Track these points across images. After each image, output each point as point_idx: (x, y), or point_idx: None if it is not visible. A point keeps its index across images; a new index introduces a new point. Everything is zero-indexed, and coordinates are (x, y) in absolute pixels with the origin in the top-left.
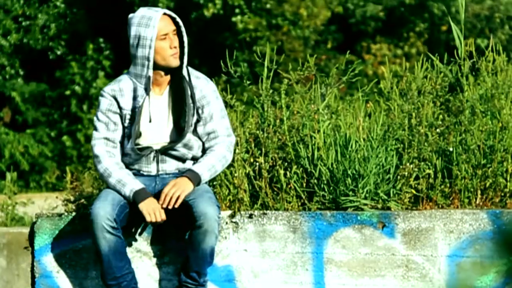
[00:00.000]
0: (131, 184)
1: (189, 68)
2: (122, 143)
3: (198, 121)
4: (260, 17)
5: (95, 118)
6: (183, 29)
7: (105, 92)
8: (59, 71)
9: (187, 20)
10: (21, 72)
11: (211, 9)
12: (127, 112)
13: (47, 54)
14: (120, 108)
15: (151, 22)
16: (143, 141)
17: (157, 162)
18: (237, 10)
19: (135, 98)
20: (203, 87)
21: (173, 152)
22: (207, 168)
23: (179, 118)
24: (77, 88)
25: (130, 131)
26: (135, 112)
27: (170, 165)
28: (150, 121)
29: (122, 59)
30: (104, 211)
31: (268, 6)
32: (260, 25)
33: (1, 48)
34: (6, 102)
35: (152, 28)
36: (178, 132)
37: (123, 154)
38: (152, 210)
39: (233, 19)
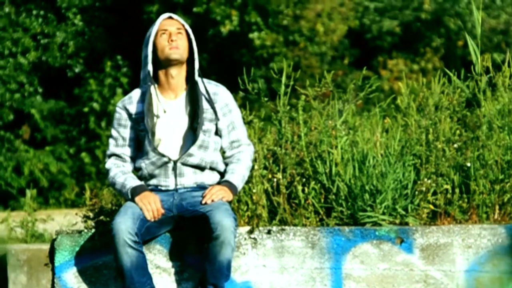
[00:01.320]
0: (130, 183)
1: (207, 79)
2: (134, 158)
3: (220, 129)
4: (276, 33)
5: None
6: (190, 31)
7: (117, 106)
8: (77, 89)
9: (203, 37)
10: (40, 90)
11: (227, 25)
12: (138, 116)
13: (65, 72)
14: (130, 116)
15: (155, 23)
16: (160, 147)
17: (175, 176)
18: (254, 27)
19: (143, 100)
20: (225, 95)
21: (190, 159)
22: (241, 180)
23: (193, 121)
24: (95, 105)
25: (146, 132)
26: (146, 111)
27: (188, 179)
28: (158, 116)
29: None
30: (125, 226)
31: (284, 22)
32: (277, 41)
33: (20, 66)
34: (25, 120)
35: (154, 27)
36: (193, 135)
37: (141, 168)
38: (147, 202)
39: (250, 35)
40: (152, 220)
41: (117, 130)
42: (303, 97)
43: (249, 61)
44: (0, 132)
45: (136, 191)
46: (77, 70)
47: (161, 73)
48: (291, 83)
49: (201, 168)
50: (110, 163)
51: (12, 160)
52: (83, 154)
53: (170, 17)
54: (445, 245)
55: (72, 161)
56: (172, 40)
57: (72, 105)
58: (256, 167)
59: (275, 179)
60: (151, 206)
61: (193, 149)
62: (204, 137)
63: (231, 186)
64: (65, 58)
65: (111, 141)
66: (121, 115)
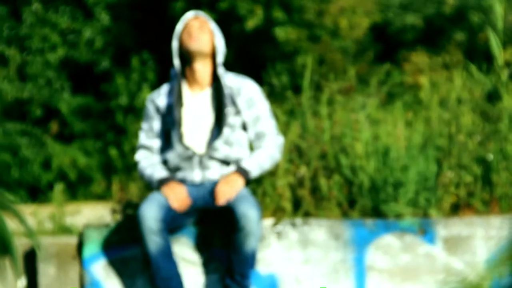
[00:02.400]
0: (158, 174)
1: (234, 73)
2: (163, 150)
3: (245, 122)
4: (300, 28)
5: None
6: (213, 26)
7: (147, 99)
8: (104, 84)
9: (228, 33)
10: (68, 85)
11: (252, 21)
12: (166, 108)
13: (92, 68)
14: (158, 109)
15: (181, 19)
16: (186, 140)
17: (201, 169)
18: (277, 22)
19: (171, 93)
20: (250, 88)
21: (215, 154)
22: (256, 165)
23: (218, 115)
24: (122, 100)
25: (173, 124)
26: (173, 104)
27: (213, 172)
28: (183, 109)
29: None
30: (151, 213)
31: (308, 17)
32: (301, 36)
33: (48, 62)
34: (53, 115)
35: (180, 23)
36: (218, 129)
37: (168, 160)
38: (173, 192)
39: (274, 31)
40: (178, 209)
41: (146, 122)
42: (327, 90)
43: (273, 56)
44: (28, 128)
45: (163, 181)
46: (104, 65)
47: (187, 68)
48: (315, 77)
49: (226, 162)
50: (139, 155)
51: (40, 155)
52: (110, 149)
53: (196, 16)
54: (467, 237)
55: (100, 156)
56: (192, 33)
57: (99, 100)
58: (280, 160)
59: (299, 172)
60: (177, 196)
61: (218, 144)
62: (228, 131)
63: (242, 171)
64: (92, 54)
65: (141, 133)
66: (150, 108)
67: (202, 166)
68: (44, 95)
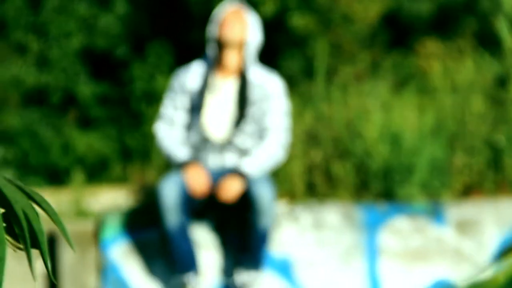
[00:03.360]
0: (179, 155)
1: (261, 68)
2: (183, 127)
3: (258, 116)
4: (313, 14)
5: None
6: (251, 21)
7: (174, 74)
8: (122, 70)
9: None
10: (85, 72)
11: (267, 6)
12: (190, 88)
13: (110, 55)
14: (183, 85)
15: (222, 5)
16: (206, 125)
17: (217, 155)
18: (290, 8)
19: (198, 74)
20: (272, 85)
21: (233, 142)
22: (256, 167)
23: (239, 106)
24: (139, 87)
25: (195, 107)
26: (199, 88)
27: (229, 160)
28: (207, 94)
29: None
30: (170, 191)
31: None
32: (314, 22)
33: (66, 49)
34: (71, 101)
35: (220, 11)
36: (238, 120)
37: (188, 138)
38: (194, 179)
39: (287, 17)
40: (197, 195)
41: (169, 96)
42: (340, 75)
43: (286, 42)
44: (47, 114)
45: (184, 163)
46: (121, 52)
47: (219, 55)
48: (328, 62)
49: (243, 152)
50: (160, 126)
51: (58, 141)
52: (128, 135)
53: (235, 6)
54: (478, 220)
55: (117, 141)
56: (226, 23)
57: (117, 87)
58: (294, 144)
59: (312, 156)
60: (197, 181)
61: (235, 133)
62: (246, 123)
63: (242, 174)
64: (109, 41)
65: (163, 104)
66: (175, 84)
67: (218, 152)
68: (62, 82)
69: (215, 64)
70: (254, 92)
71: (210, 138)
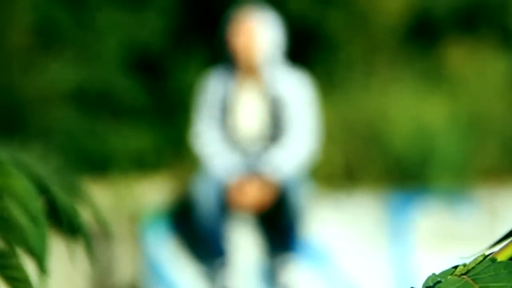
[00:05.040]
0: (222, 163)
1: (293, 67)
2: (217, 129)
3: (284, 117)
4: (336, 10)
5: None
6: (259, 25)
7: (206, 76)
8: (161, 66)
9: None
10: (124, 67)
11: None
12: (220, 92)
13: (149, 49)
14: (213, 89)
15: (231, 16)
16: (235, 127)
17: (246, 156)
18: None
19: (226, 77)
20: (298, 86)
21: (261, 144)
22: (288, 171)
23: (268, 107)
24: (179, 82)
25: (224, 111)
26: (225, 97)
27: (258, 161)
28: (235, 97)
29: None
30: (207, 193)
31: None
32: (337, 17)
33: (105, 43)
34: (110, 95)
35: (230, 19)
36: (266, 120)
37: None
38: (241, 197)
39: (318, 14)
40: (243, 210)
41: (205, 97)
42: (368, 67)
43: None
44: (85, 109)
45: (229, 175)
46: (160, 47)
47: (235, 60)
48: (354, 56)
49: (270, 154)
50: (200, 129)
51: (96, 137)
52: (168, 129)
53: (241, 14)
54: (508, 201)
55: (158, 136)
56: (235, 33)
57: (157, 81)
58: (331, 132)
59: (348, 141)
60: (246, 202)
61: (264, 135)
62: (273, 124)
63: (268, 182)
64: (149, 35)
65: (199, 108)
66: (207, 85)
67: (248, 154)
68: (102, 76)
69: (235, 67)
70: (276, 97)
71: (239, 140)
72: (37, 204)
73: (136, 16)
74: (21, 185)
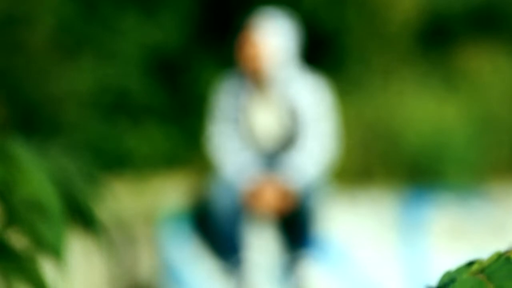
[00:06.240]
0: (238, 167)
1: (310, 71)
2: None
3: (300, 123)
4: (344, 8)
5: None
6: (265, 36)
7: (222, 83)
8: (178, 66)
9: None
10: (142, 70)
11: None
12: (235, 99)
13: (166, 50)
14: (228, 96)
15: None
16: (252, 135)
17: (264, 165)
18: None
19: (240, 84)
20: (313, 91)
21: (277, 152)
22: (306, 176)
23: (284, 115)
24: (196, 81)
25: (237, 119)
26: (240, 101)
27: (275, 168)
28: (250, 106)
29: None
30: (223, 194)
31: None
32: (345, 16)
33: (123, 45)
34: (127, 98)
35: (240, 31)
36: (281, 130)
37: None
38: (261, 203)
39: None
40: (261, 213)
41: (219, 104)
42: (390, 67)
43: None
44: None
45: (244, 178)
46: (178, 49)
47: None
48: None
49: (288, 163)
50: (214, 132)
51: (114, 137)
52: (186, 129)
53: (247, 27)
54: None
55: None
56: (241, 48)
57: (174, 82)
58: (351, 132)
59: (368, 140)
60: (263, 207)
61: (280, 140)
62: (290, 129)
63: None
64: (167, 37)
65: (214, 112)
66: (222, 90)
67: (265, 162)
68: (118, 77)
69: (245, 75)
70: (291, 103)
71: (256, 148)
72: (53, 199)
73: (153, 18)
74: (36, 179)
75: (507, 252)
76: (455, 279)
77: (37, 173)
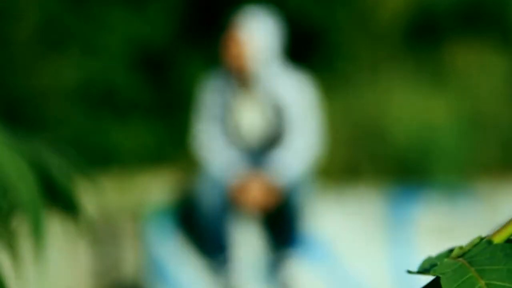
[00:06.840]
0: (222, 165)
1: (295, 68)
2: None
3: (284, 119)
4: (334, 4)
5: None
6: (249, 33)
7: (207, 78)
8: (164, 62)
9: None
10: (128, 64)
11: None
12: (220, 94)
13: (154, 46)
14: (214, 91)
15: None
16: (237, 132)
17: (248, 162)
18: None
19: (226, 79)
20: (297, 88)
21: (263, 149)
22: (291, 172)
23: (269, 112)
24: (183, 79)
25: (222, 115)
26: (225, 99)
27: (260, 166)
28: (234, 102)
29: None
30: (209, 191)
31: None
32: (335, 12)
33: (109, 40)
34: (113, 93)
35: (225, 28)
36: (265, 126)
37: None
38: (246, 198)
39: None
40: (248, 209)
41: (205, 101)
42: (377, 64)
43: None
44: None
45: (230, 174)
46: (164, 44)
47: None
48: (354, 52)
49: (273, 159)
50: (200, 129)
51: (100, 133)
52: (172, 125)
53: (231, 24)
54: (507, 197)
55: (161, 131)
56: (225, 46)
57: (160, 78)
58: (337, 128)
59: (353, 136)
60: (249, 202)
61: (265, 137)
62: (275, 126)
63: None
64: (154, 32)
65: (200, 110)
66: (207, 87)
67: (248, 155)
68: (104, 72)
69: (230, 73)
70: (275, 101)
71: (240, 145)
72: (31, 185)
73: (140, 13)
74: (14, 165)
75: (488, 236)
76: (436, 264)
77: (11, 156)
